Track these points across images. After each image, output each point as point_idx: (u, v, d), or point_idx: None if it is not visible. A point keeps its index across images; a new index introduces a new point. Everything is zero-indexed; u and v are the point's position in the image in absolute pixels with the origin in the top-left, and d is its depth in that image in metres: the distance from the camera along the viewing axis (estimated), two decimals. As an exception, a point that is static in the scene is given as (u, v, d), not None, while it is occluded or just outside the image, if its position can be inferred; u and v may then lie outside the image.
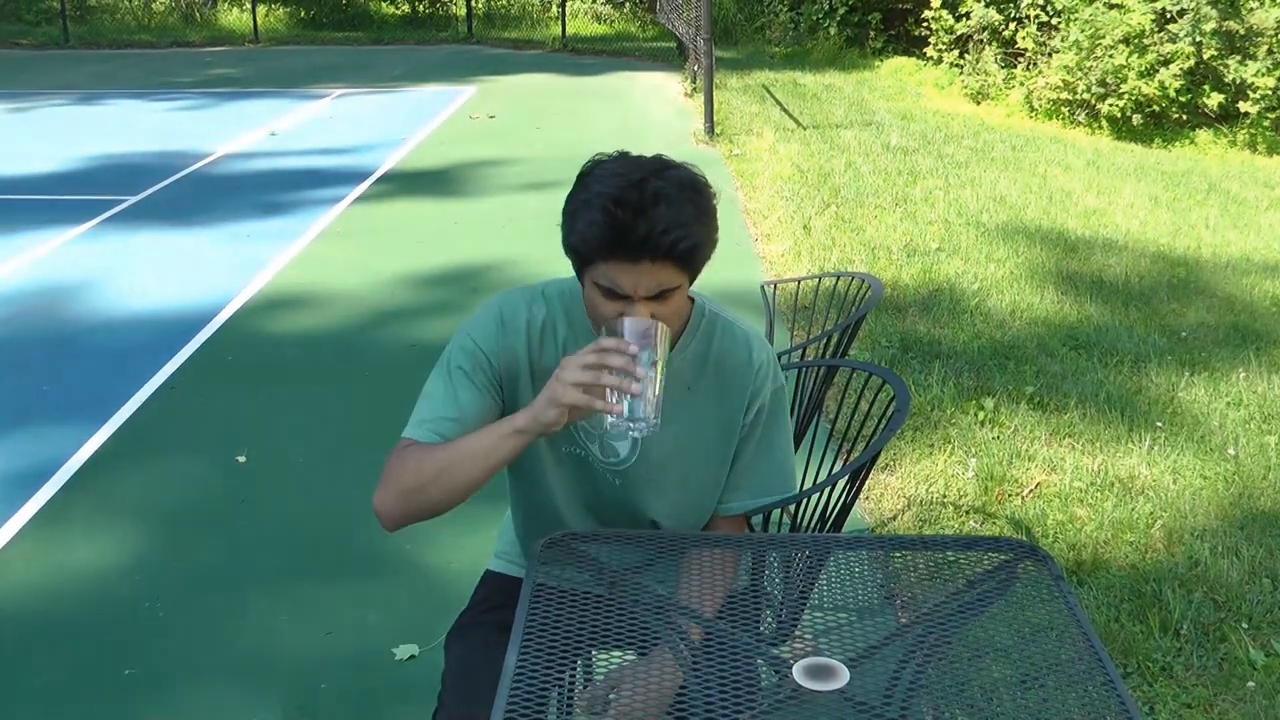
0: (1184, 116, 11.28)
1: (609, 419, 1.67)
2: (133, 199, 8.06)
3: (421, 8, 21.05)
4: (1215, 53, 10.77)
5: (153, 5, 20.75)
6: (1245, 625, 3.21)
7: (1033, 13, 12.23)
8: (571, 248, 1.76)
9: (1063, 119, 11.72)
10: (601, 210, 1.68)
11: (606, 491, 1.99)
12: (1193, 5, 10.63)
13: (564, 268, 1.85)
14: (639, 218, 1.67)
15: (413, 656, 3.07)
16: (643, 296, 1.72)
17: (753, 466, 2.00)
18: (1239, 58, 10.80)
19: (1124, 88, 10.88)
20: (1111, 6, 11.10)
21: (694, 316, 1.93)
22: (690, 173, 1.76)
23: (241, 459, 4.20)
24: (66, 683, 2.99)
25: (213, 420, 4.56)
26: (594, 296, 1.75)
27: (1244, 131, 11.01)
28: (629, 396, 1.65)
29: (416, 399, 1.90)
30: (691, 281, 1.80)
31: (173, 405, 4.69)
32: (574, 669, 1.78)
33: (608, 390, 1.65)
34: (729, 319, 1.97)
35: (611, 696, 1.71)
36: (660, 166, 1.74)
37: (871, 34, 16.07)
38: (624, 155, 1.78)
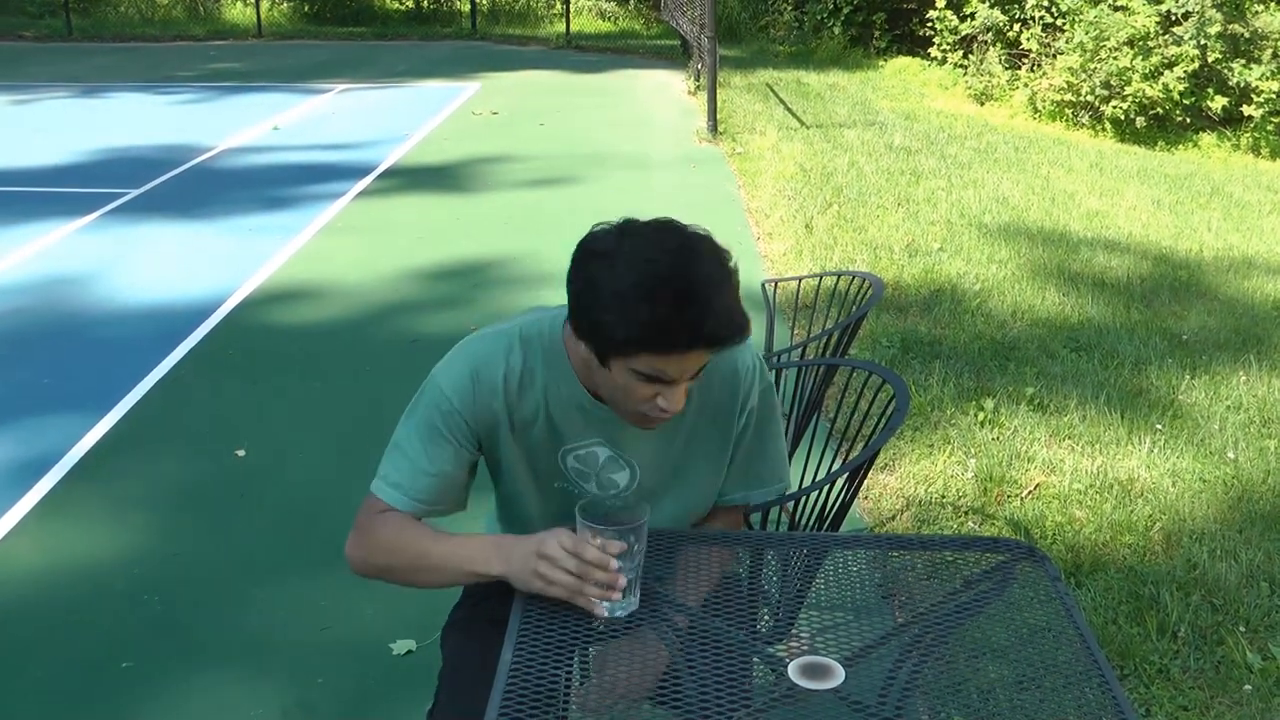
0: (1188, 119, 11.28)
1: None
2: (135, 192, 8.06)
3: (425, 3, 21.05)
4: (1220, 56, 10.76)
5: (157, -1, 20.76)
6: (1242, 628, 3.21)
7: (1037, 14, 12.22)
8: (611, 341, 1.63)
9: (1066, 121, 11.72)
10: (662, 304, 1.57)
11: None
12: (1198, 8, 10.62)
13: (563, 264, 1.74)
14: (705, 312, 1.57)
15: (410, 651, 3.07)
16: (687, 378, 1.68)
17: (748, 463, 2.00)
18: (1244, 61, 10.80)
19: (1128, 90, 10.88)
20: (1116, 8, 11.09)
21: None
22: (713, 242, 1.67)
23: (241, 453, 4.20)
24: (64, 675, 2.99)
25: (213, 413, 4.56)
26: (628, 381, 1.67)
27: (1248, 135, 11.01)
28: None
29: (411, 400, 1.89)
30: None
31: (174, 398, 4.69)
32: (569, 666, 1.78)
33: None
34: None
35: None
36: (691, 243, 1.63)
37: (876, 34, 16.07)
38: (637, 231, 1.64)
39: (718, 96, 10.47)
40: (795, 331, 5.21)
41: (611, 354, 1.65)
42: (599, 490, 1.93)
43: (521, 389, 1.83)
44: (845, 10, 16.09)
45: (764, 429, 1.99)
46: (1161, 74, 10.77)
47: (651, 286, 1.57)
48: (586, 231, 1.69)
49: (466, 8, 20.36)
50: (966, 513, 3.84)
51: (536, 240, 6.92)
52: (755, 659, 1.66)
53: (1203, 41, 10.65)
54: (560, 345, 1.82)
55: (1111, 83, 10.98)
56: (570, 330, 1.74)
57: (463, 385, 1.82)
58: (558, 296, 1.79)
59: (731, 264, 1.65)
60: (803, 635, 1.76)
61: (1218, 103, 10.91)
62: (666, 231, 1.64)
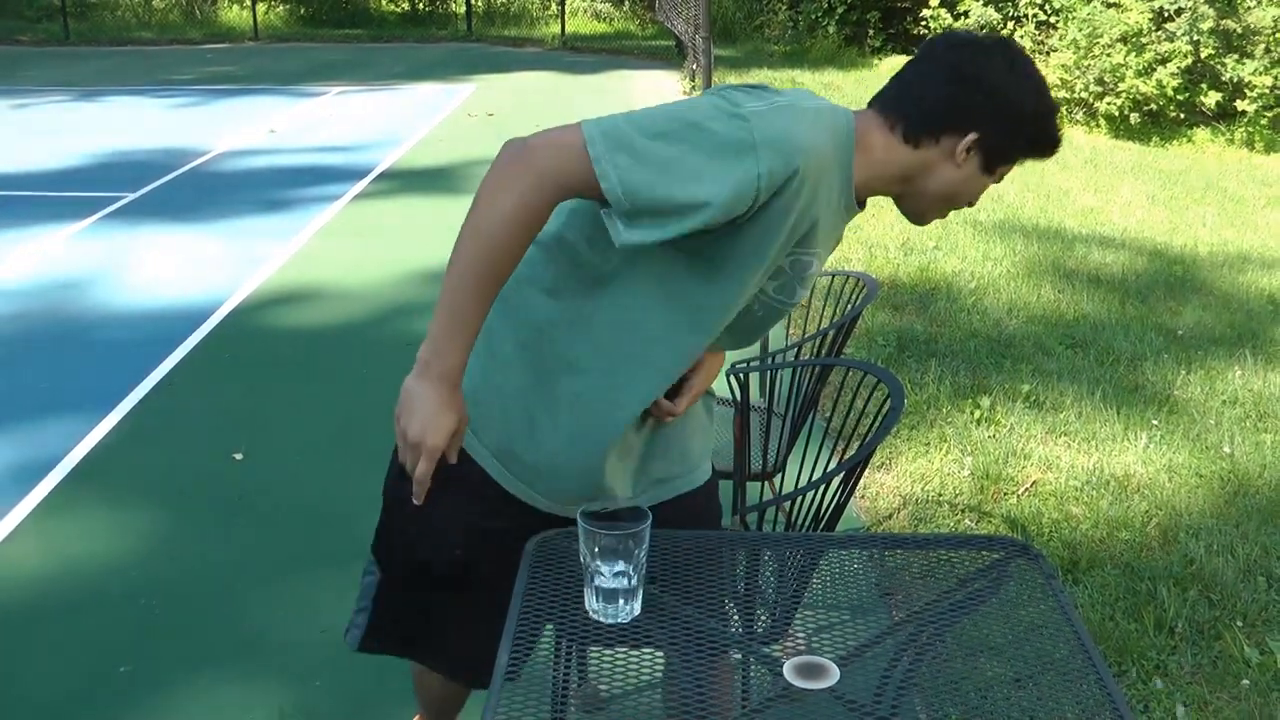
0: (1181, 115, 11.29)
1: (591, 608, 1.67)
2: (132, 196, 8.06)
3: (421, 5, 21.06)
4: (1213, 51, 10.78)
5: (153, 2, 20.74)
6: (1240, 623, 3.22)
7: (1031, 11, 12.24)
8: (1017, 152, 1.78)
9: (1060, 117, 11.72)
10: (1055, 122, 1.81)
11: (740, 320, 1.86)
12: (1190, 4, 10.64)
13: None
14: None
15: (409, 654, 3.07)
16: None
17: None
18: (1236, 56, 10.81)
19: (1122, 86, 10.89)
20: (1109, 5, 11.11)
21: None
22: None
23: (239, 455, 4.21)
24: (62, 678, 2.99)
25: (210, 417, 4.56)
26: (979, 180, 1.79)
27: (1241, 130, 11.02)
28: (607, 604, 1.65)
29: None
30: None
31: (171, 402, 4.69)
32: (568, 666, 1.78)
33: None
34: None
35: (603, 689, 1.72)
36: None
37: (870, 33, 16.08)
38: (1015, 52, 1.79)
39: (713, 96, 10.46)
40: (790, 331, 5.22)
41: (1006, 162, 1.79)
42: (774, 294, 1.83)
43: (816, 186, 1.69)
44: (839, 10, 16.10)
45: None
46: (1155, 70, 10.78)
47: (1053, 107, 1.80)
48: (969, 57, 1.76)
49: (462, 10, 20.36)
50: (963, 511, 3.84)
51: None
52: (751, 659, 1.67)
53: (1195, 37, 10.66)
54: (852, 152, 1.74)
55: (1105, 79, 10.99)
56: (914, 141, 1.75)
57: (775, 171, 1.61)
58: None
59: None
60: (799, 635, 1.77)
61: (1211, 98, 10.92)
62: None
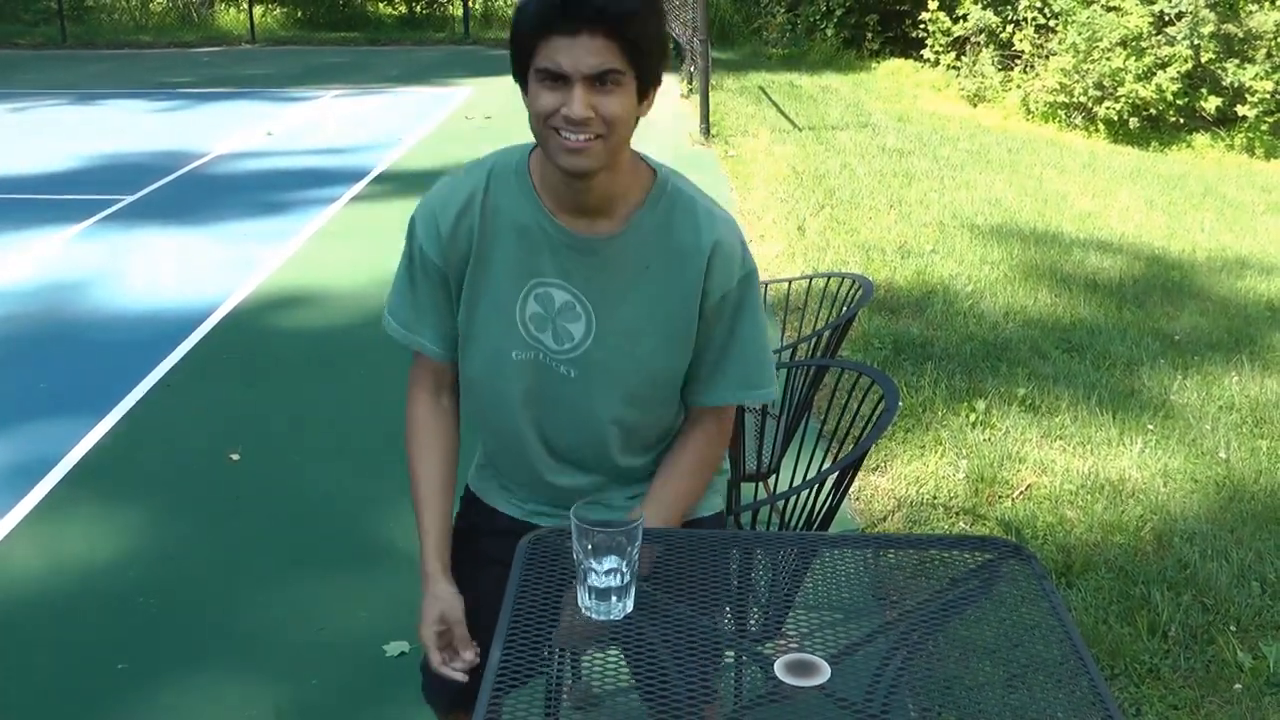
0: (1181, 120, 11.30)
1: (583, 605, 1.67)
2: (130, 198, 8.07)
3: (418, 8, 21.07)
4: (1213, 56, 10.79)
5: (150, 5, 20.76)
6: (1233, 628, 3.22)
7: (1030, 15, 12.25)
8: (515, 38, 1.71)
9: (1059, 122, 11.74)
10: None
11: (562, 390, 1.90)
12: (1191, 8, 10.65)
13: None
14: None
15: (403, 653, 3.08)
16: (584, 75, 1.65)
17: (728, 357, 1.92)
18: (1237, 61, 10.83)
19: (1121, 91, 10.90)
20: (1109, 9, 11.12)
21: (655, 189, 1.85)
22: None
23: (235, 457, 4.21)
24: (60, 676, 3.00)
25: (207, 418, 4.57)
26: (537, 93, 1.69)
27: (1241, 135, 11.03)
28: (599, 601, 1.66)
29: (407, 398, 2.04)
30: (640, 82, 1.71)
31: (168, 403, 4.70)
32: (561, 665, 1.79)
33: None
34: (691, 195, 1.88)
35: (595, 687, 1.72)
36: None
37: (868, 36, 16.10)
38: None
39: (710, 99, 10.49)
40: (786, 333, 5.23)
41: (523, 61, 1.71)
42: (554, 345, 1.86)
43: (483, 219, 1.91)
44: (838, 13, 16.11)
45: (744, 318, 1.91)
46: (1154, 74, 10.79)
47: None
48: None
49: (459, 12, 20.38)
50: (958, 514, 3.85)
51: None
52: (743, 657, 1.67)
53: (1196, 41, 10.68)
54: (525, 169, 1.89)
55: (1104, 83, 11.01)
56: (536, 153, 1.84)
57: (429, 229, 1.94)
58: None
59: None
60: (790, 634, 1.77)
61: (1211, 103, 10.93)
62: None
